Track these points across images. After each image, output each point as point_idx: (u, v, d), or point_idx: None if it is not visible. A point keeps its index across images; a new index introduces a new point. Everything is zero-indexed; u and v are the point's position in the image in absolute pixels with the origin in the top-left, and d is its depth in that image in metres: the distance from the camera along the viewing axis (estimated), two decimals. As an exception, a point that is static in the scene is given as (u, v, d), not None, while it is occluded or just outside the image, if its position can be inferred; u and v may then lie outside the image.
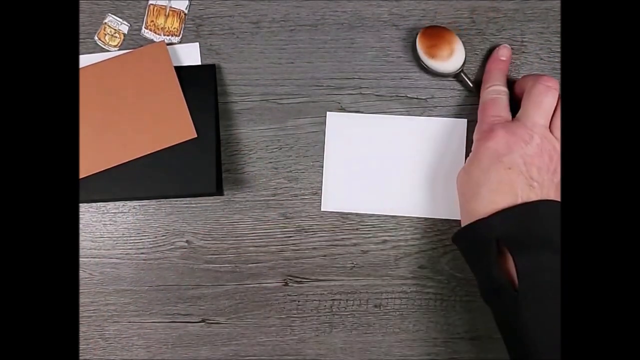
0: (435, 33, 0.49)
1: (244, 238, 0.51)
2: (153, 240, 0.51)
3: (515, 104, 0.47)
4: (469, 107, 0.51)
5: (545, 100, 0.43)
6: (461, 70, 0.49)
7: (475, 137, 0.46)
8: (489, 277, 0.42)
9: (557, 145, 0.43)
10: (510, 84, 0.48)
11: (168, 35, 0.51)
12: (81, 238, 0.51)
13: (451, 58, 0.48)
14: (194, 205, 0.51)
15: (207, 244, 0.51)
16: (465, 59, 0.49)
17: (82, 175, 0.49)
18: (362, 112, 0.51)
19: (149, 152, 0.49)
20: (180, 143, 0.49)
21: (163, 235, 0.51)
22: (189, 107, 0.49)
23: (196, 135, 0.49)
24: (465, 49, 0.49)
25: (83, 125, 0.49)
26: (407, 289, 0.51)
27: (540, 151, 0.42)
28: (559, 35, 0.50)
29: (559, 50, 0.50)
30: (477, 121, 0.47)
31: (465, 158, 0.50)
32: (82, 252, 0.51)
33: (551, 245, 0.40)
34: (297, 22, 0.51)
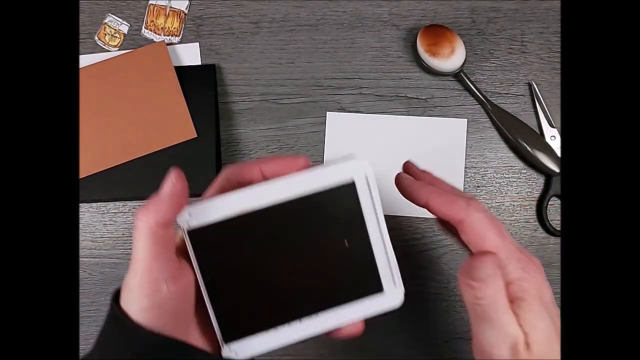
0: (436, 32, 0.49)
1: (244, 238, 0.51)
2: (153, 240, 0.51)
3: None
4: (469, 107, 0.50)
5: None
6: (461, 69, 0.49)
7: None
8: None
9: None
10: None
11: (168, 35, 0.51)
12: (81, 238, 0.51)
13: (452, 56, 0.48)
14: (194, 205, 0.51)
15: (207, 244, 0.51)
16: (465, 58, 0.49)
17: (82, 175, 0.49)
18: (362, 112, 0.51)
19: (149, 152, 0.49)
20: (180, 143, 0.49)
21: (163, 235, 0.51)
22: (189, 107, 0.49)
23: (196, 135, 0.49)
24: (465, 48, 0.49)
25: (83, 125, 0.49)
26: (407, 289, 0.51)
27: None
28: (559, 35, 0.50)
29: (559, 50, 0.50)
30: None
31: (465, 158, 0.50)
32: (82, 252, 0.51)
33: None
34: (297, 22, 0.51)
